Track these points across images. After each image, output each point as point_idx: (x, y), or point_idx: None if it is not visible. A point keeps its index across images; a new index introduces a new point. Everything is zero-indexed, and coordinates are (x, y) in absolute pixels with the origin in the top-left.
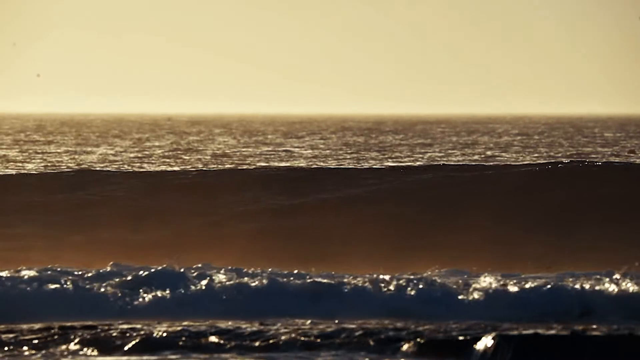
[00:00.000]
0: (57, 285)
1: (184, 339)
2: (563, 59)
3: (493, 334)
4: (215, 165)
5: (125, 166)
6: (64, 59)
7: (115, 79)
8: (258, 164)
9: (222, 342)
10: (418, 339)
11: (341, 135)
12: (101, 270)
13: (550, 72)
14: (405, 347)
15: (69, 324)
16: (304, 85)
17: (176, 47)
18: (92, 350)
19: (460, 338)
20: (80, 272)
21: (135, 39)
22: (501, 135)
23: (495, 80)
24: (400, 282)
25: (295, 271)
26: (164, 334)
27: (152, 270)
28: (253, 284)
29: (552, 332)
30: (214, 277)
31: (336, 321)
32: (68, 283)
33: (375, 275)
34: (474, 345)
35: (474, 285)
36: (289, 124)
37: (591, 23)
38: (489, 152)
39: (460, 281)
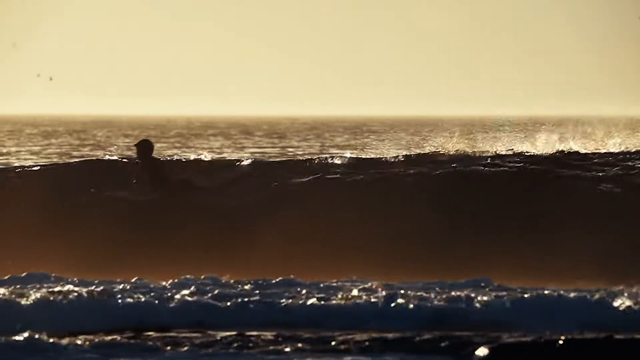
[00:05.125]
0: None
1: None
2: (562, 58)
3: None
4: None
5: None
6: (63, 59)
7: (116, 79)
8: None
9: None
10: None
11: None
12: None
13: (548, 71)
14: None
15: None
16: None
17: (175, 47)
18: None
19: None
20: None
21: (135, 39)
22: None
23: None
24: None
25: None
26: None
27: None
28: None
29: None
30: None
31: None
32: None
33: None
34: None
35: None
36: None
37: (590, 22)
38: None
39: None
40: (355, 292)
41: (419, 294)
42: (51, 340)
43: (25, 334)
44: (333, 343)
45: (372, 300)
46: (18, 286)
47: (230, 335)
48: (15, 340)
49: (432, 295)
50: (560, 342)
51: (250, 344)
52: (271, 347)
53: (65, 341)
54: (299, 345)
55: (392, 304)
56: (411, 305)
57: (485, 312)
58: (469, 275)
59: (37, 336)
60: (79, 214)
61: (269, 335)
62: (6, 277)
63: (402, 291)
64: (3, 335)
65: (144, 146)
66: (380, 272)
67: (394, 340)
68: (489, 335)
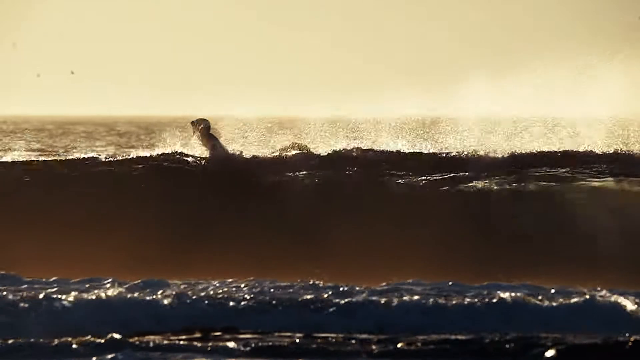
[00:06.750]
0: None
1: None
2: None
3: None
4: None
5: None
6: (64, 59)
7: (116, 79)
8: None
9: None
10: None
11: None
12: None
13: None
14: None
15: None
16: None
17: (177, 46)
18: None
19: None
20: None
21: (135, 39)
22: None
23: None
24: None
25: None
26: None
27: None
28: None
29: None
30: None
31: None
32: None
33: None
34: None
35: None
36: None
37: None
38: None
39: None
40: (414, 293)
41: (486, 294)
42: (121, 339)
43: (95, 334)
44: (399, 345)
45: (439, 301)
46: (87, 286)
47: (288, 336)
48: (85, 340)
49: (499, 296)
50: (630, 343)
51: (314, 346)
52: (331, 349)
53: (132, 340)
54: (363, 347)
55: (460, 305)
56: (479, 306)
57: (551, 313)
58: (532, 277)
59: (107, 336)
60: (148, 215)
61: (332, 337)
62: (76, 280)
63: (471, 292)
64: (73, 335)
65: (201, 124)
66: (446, 272)
67: (459, 341)
68: (557, 337)
